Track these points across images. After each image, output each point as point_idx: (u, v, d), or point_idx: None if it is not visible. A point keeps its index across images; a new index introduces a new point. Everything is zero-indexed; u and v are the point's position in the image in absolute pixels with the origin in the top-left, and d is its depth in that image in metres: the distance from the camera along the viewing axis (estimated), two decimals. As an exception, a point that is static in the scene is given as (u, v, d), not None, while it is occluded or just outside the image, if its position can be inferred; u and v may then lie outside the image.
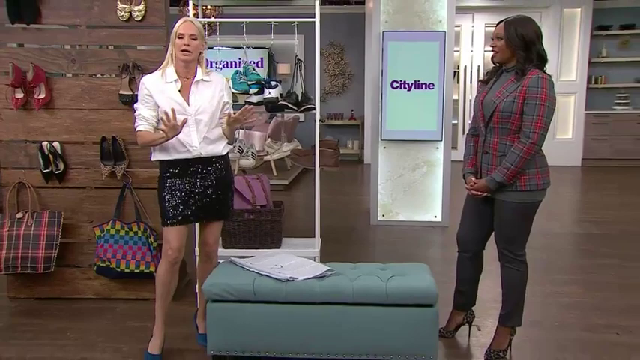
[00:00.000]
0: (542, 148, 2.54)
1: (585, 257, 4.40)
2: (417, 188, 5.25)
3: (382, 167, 5.26)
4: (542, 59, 2.52)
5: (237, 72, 3.41)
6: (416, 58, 5.00)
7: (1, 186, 3.38)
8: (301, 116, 7.96)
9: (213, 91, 2.63)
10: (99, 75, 3.31)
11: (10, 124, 3.30)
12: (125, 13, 3.21)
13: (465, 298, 2.90)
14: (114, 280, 3.36)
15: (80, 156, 3.34)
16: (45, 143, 3.28)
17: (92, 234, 3.31)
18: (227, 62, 8.21)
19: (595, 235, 4.97)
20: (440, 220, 5.24)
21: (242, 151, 3.61)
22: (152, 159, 2.67)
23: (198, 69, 2.61)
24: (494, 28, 2.60)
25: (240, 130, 5.47)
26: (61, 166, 3.31)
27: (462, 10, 7.87)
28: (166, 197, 2.60)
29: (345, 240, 4.81)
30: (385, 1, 5.04)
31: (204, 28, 2.90)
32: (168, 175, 2.61)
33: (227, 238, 3.36)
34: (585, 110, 8.65)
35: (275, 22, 3.32)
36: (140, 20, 3.21)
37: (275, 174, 7.14)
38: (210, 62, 3.63)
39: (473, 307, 2.95)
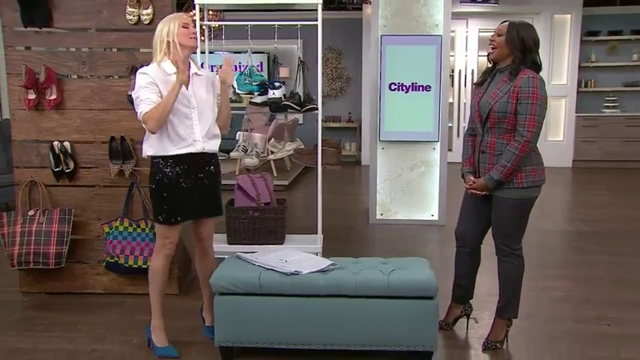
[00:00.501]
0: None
1: (576, 254, 4.50)
2: (414, 188, 5.33)
3: (381, 167, 5.33)
4: (536, 66, 2.60)
5: (241, 74, 3.52)
6: (413, 61, 5.08)
7: (13, 184, 3.45)
8: (300, 118, 8.03)
9: (207, 86, 2.71)
10: (108, 76, 3.38)
11: (23, 124, 3.38)
12: (134, 16, 3.29)
13: (463, 292, 2.96)
14: (122, 275, 3.42)
15: (90, 155, 3.41)
16: (56, 143, 3.35)
17: (101, 231, 3.38)
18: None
19: (586, 233, 5.07)
20: (437, 218, 5.31)
21: (246, 150, 3.71)
22: (154, 154, 2.61)
23: (191, 63, 2.66)
24: (489, 32, 2.69)
25: (242, 132, 5.57)
26: (71, 165, 3.38)
27: (456, 16, 7.96)
28: (167, 195, 2.61)
29: (345, 238, 4.87)
30: (384, 5, 5.11)
31: (210, 32, 3.00)
32: (170, 173, 2.60)
33: (232, 234, 3.45)
34: (576, 113, 8.79)
35: (279, 25, 3.42)
36: (148, 23, 3.28)
37: (275, 174, 7.14)
38: (211, 66, 3.73)
39: (470, 301, 3.01)
